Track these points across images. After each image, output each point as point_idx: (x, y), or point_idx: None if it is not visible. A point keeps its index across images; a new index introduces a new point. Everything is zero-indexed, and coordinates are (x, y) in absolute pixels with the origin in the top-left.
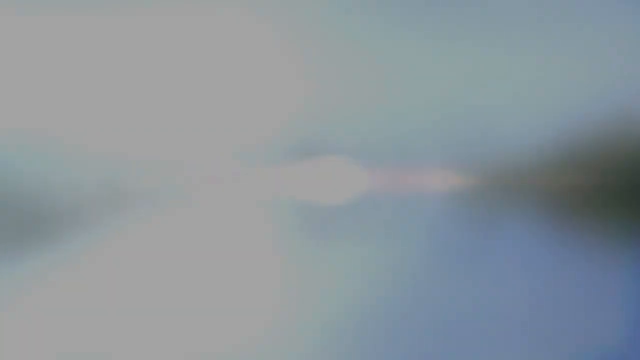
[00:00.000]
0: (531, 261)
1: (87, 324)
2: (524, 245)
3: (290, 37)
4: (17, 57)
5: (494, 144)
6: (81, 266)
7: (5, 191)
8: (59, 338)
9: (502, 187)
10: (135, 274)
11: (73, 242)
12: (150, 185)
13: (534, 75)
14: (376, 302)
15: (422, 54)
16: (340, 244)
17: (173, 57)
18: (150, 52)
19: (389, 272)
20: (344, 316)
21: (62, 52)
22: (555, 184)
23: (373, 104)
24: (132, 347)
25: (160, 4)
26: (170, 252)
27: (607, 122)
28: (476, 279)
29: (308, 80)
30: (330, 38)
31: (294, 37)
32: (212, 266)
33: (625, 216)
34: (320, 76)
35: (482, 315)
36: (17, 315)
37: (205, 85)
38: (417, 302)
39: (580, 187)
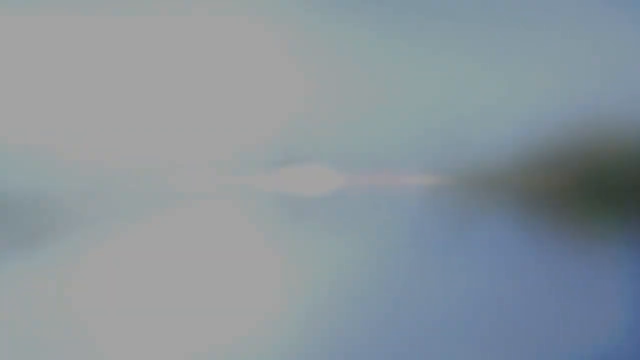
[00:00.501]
0: (506, 257)
1: (83, 324)
2: (499, 241)
3: (278, 49)
4: (9, 61)
5: (471, 146)
6: (76, 267)
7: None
8: (56, 336)
9: (479, 186)
10: (129, 272)
11: (67, 244)
12: (142, 187)
13: (512, 79)
14: (354, 293)
15: (402, 62)
16: (324, 238)
17: (158, 64)
18: (140, 57)
19: (367, 265)
20: (324, 305)
21: (57, 54)
22: (531, 184)
23: (355, 110)
24: (128, 345)
25: (156, 9)
26: (161, 249)
27: (583, 124)
28: (452, 272)
29: (297, 87)
30: (317, 49)
31: (281, 48)
32: (202, 261)
33: (601, 215)
34: (309, 83)
35: (453, 308)
36: (12, 314)
37: (199, 91)
38: (394, 293)
39: (555, 187)
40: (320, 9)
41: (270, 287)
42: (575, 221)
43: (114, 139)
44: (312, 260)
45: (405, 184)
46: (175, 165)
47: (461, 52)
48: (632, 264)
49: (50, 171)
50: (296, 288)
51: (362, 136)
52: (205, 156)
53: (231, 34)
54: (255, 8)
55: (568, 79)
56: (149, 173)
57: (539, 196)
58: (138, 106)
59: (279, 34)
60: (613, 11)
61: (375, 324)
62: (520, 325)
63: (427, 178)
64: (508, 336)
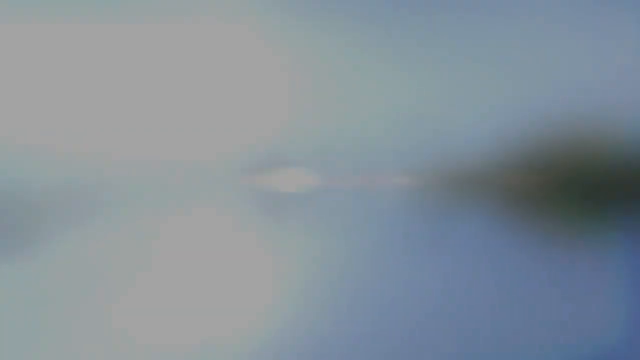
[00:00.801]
0: (488, 256)
1: (74, 322)
2: (480, 241)
3: (261, 53)
4: (5, 60)
5: (451, 145)
6: (70, 265)
7: None
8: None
9: (459, 186)
10: (122, 270)
11: (62, 242)
12: (133, 187)
13: (490, 78)
14: (336, 292)
15: (381, 64)
16: (306, 238)
17: (146, 67)
18: (128, 59)
19: (348, 265)
20: (308, 304)
21: (52, 55)
22: (512, 183)
23: (336, 111)
24: (121, 343)
25: (139, 15)
26: (152, 249)
27: (566, 123)
28: (433, 272)
29: (279, 90)
30: (298, 53)
31: (264, 53)
32: (190, 260)
33: (579, 213)
34: (291, 87)
35: (436, 308)
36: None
37: (185, 94)
38: (376, 292)
39: (536, 186)
40: (301, 13)
41: (254, 286)
42: (556, 220)
43: (108, 140)
44: (294, 260)
45: (386, 184)
46: (162, 167)
47: (443, 51)
48: (614, 262)
49: (49, 169)
50: (279, 287)
51: (343, 138)
52: (191, 158)
53: (215, 39)
54: (238, 13)
55: (551, 78)
56: (139, 174)
57: (520, 195)
58: (128, 107)
59: (260, 38)
60: (595, 10)
61: (357, 322)
62: (503, 325)
63: (408, 178)
64: (490, 336)
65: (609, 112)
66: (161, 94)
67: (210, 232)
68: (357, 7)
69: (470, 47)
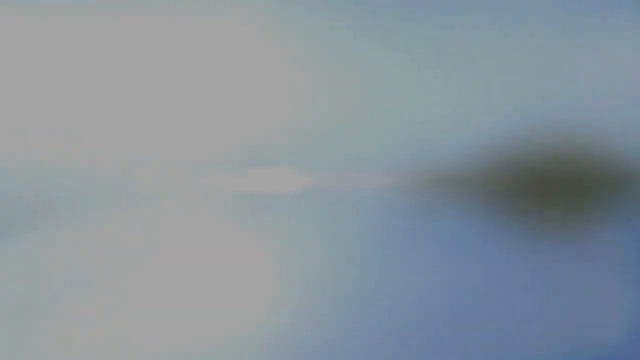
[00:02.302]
0: (474, 256)
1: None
2: (462, 239)
3: (250, 51)
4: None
5: (432, 144)
6: (41, 266)
7: None
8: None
9: (446, 185)
10: (96, 272)
11: (31, 241)
12: (109, 185)
13: (480, 80)
14: (324, 292)
15: (369, 63)
16: (292, 239)
17: (128, 64)
18: (107, 56)
19: (337, 265)
20: (296, 303)
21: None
22: (496, 182)
23: (324, 110)
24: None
25: (130, 11)
26: (128, 248)
27: (550, 120)
28: (421, 271)
29: (266, 87)
30: (287, 50)
31: (253, 50)
32: (169, 260)
33: (566, 211)
34: (278, 85)
35: (425, 308)
36: None
37: (168, 90)
38: (364, 292)
39: (520, 185)
40: (291, 11)
41: (243, 287)
42: (540, 219)
43: (80, 136)
44: (283, 260)
45: (373, 184)
46: (143, 164)
47: (430, 52)
48: (600, 261)
49: (15, 169)
50: (269, 288)
51: (330, 137)
52: (173, 156)
53: (200, 36)
54: (225, 11)
55: (539, 80)
56: (117, 171)
57: (506, 194)
58: (107, 104)
59: (247, 36)
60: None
61: (345, 322)
62: (490, 325)
63: (394, 178)
64: (478, 337)
65: (607, 112)
66: (147, 92)
67: (199, 233)
68: (351, 5)
69: (466, 47)
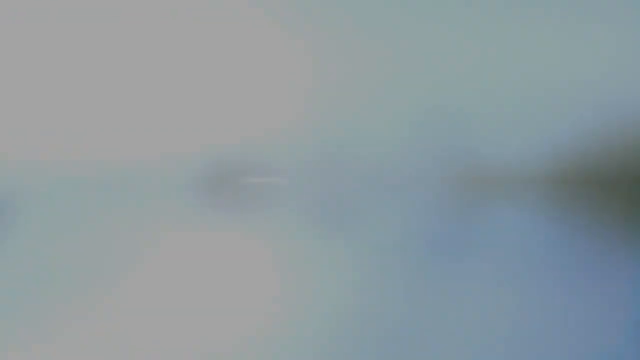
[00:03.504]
0: (521, 254)
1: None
2: (515, 237)
3: (243, 55)
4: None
5: (485, 141)
6: (45, 264)
7: None
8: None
9: (484, 184)
10: (92, 273)
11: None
12: (104, 186)
13: (531, 73)
14: (352, 294)
15: (398, 58)
16: (333, 239)
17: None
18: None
19: (367, 265)
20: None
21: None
22: (550, 180)
23: (352, 107)
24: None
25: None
26: (123, 250)
27: (604, 122)
28: (456, 271)
29: (263, 90)
30: (290, 50)
31: (246, 55)
32: (158, 262)
33: (619, 212)
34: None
35: (458, 309)
36: None
37: (160, 94)
38: (396, 292)
39: (573, 183)
40: (292, 13)
41: (233, 286)
42: (583, 218)
43: (80, 137)
44: (272, 259)
45: (405, 181)
46: (142, 164)
47: (466, 47)
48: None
49: (18, 169)
50: (263, 289)
51: (328, 138)
52: (173, 156)
53: (191, 40)
54: (225, 11)
55: (593, 78)
56: (117, 171)
57: (548, 193)
58: (107, 104)
59: (247, 36)
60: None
61: (368, 323)
62: (526, 327)
63: (438, 172)
64: (513, 337)
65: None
66: (147, 92)
67: (198, 233)
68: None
69: (478, 45)
